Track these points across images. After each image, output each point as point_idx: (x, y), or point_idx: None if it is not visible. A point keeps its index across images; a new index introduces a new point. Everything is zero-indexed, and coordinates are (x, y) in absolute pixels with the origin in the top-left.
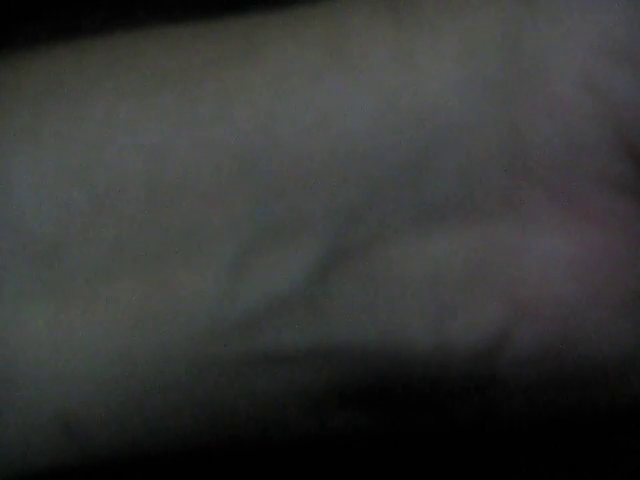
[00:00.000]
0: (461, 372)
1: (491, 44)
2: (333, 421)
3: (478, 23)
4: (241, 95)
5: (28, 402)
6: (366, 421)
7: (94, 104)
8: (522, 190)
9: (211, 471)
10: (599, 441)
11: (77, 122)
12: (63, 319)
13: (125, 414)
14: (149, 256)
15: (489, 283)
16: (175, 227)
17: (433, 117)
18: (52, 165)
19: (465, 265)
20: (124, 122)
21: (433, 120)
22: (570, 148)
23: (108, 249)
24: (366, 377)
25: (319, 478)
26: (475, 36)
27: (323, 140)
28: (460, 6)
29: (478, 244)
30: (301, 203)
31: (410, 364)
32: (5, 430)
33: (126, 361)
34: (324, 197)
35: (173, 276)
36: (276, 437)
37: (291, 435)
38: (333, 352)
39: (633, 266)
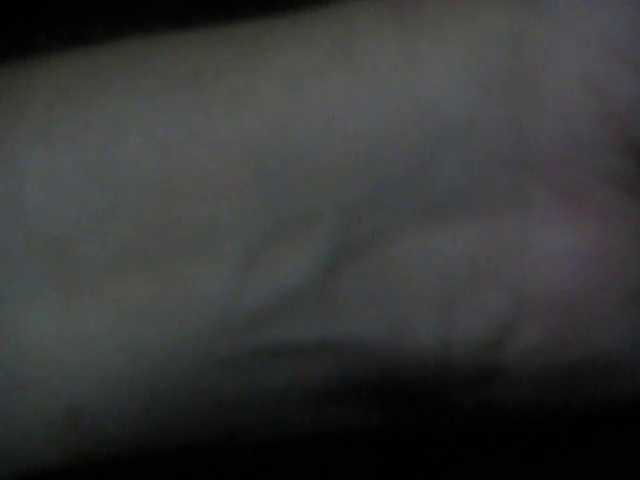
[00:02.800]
0: (465, 366)
1: (494, 44)
2: (337, 415)
3: (481, 24)
4: (250, 96)
5: (37, 398)
6: (372, 414)
7: (106, 106)
8: (526, 186)
9: (217, 465)
10: (601, 434)
11: (89, 124)
12: (74, 316)
13: (134, 410)
14: (160, 253)
15: (493, 277)
16: (185, 224)
17: (438, 116)
18: (65, 165)
19: (470, 260)
20: (136, 123)
21: (438, 119)
22: (572, 145)
23: (119, 247)
24: (372, 370)
25: (324, 472)
26: (478, 37)
27: (330, 138)
28: (463, 7)
29: (483, 239)
30: (309, 200)
31: (415, 358)
32: (14, 425)
33: (136, 357)
34: (331, 194)
35: (183, 272)
36: (282, 431)
37: (298, 429)
38: (340, 346)
39: (635, 261)
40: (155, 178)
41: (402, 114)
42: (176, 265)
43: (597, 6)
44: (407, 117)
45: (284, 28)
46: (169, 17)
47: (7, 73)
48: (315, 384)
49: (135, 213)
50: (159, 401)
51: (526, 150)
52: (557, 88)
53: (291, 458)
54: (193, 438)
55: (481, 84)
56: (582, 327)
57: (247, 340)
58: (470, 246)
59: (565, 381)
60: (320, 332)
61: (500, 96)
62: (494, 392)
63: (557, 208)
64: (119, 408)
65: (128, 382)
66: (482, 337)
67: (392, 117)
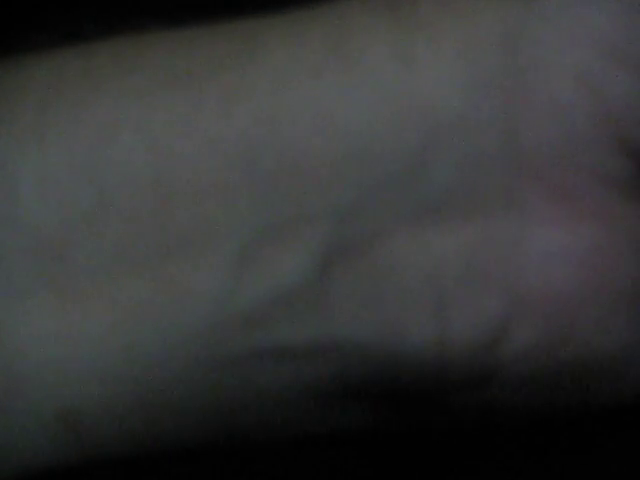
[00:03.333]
0: (461, 366)
1: (490, 44)
2: (334, 416)
3: (477, 23)
4: (244, 94)
5: (33, 398)
6: (367, 416)
7: (99, 104)
8: (520, 187)
9: (213, 469)
10: (597, 437)
11: (82, 122)
12: (67, 316)
13: (130, 410)
14: (153, 253)
15: (488, 279)
16: (179, 224)
17: (432, 115)
18: (57, 164)
19: (464, 261)
20: (129, 122)
21: (432, 118)
22: (568, 146)
23: (113, 246)
24: (367, 372)
25: (323, 472)
26: (474, 36)
27: (324, 137)
28: (459, 6)
29: (477, 240)
30: (302, 199)
31: (410, 359)
32: (9, 427)
33: (130, 358)
34: (325, 193)
35: (177, 273)
36: (278, 433)
37: (293, 431)
38: (334, 347)
39: (630, 262)
40: (148, 177)
41: (396, 114)
42: (170, 265)
43: (592, 6)
44: (401, 117)
45: (278, 26)
46: (163, 15)
47: None
48: (311, 385)
49: (128, 212)
50: (155, 402)
51: (520, 150)
52: (552, 88)
53: (290, 458)
54: (191, 439)
55: (475, 84)
56: (577, 328)
57: (242, 341)
58: (464, 247)
59: (562, 382)
60: (315, 333)
61: (494, 96)
62: (491, 393)
63: (551, 209)
64: (115, 409)
65: (124, 382)
66: (477, 338)
67: (386, 117)
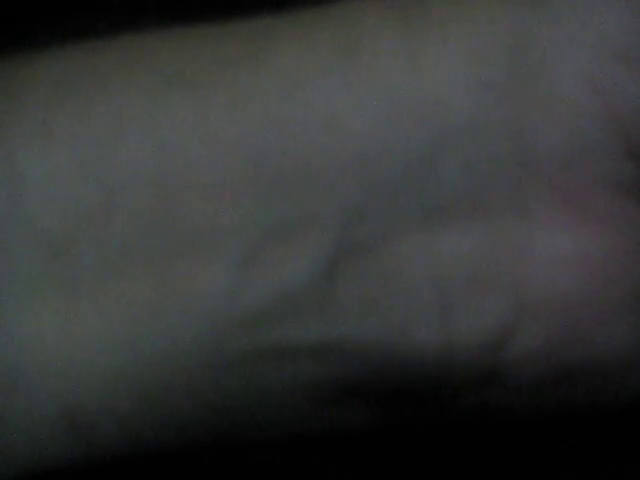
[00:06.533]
0: (465, 368)
1: (497, 46)
2: (338, 417)
3: (485, 26)
4: (251, 94)
5: (35, 397)
6: (370, 417)
7: (106, 103)
8: (527, 190)
9: (215, 467)
10: (600, 438)
11: (89, 120)
12: (72, 315)
13: (132, 410)
14: (158, 252)
15: (494, 281)
16: (185, 224)
17: (440, 117)
18: (64, 162)
19: (470, 263)
20: (135, 120)
21: (440, 120)
22: (575, 149)
23: (118, 245)
24: (371, 373)
25: (323, 474)
26: (482, 38)
27: (332, 139)
28: (467, 9)
29: (483, 242)
30: (309, 200)
31: (415, 360)
32: (12, 425)
33: (134, 357)
34: (332, 195)
35: (182, 272)
36: (280, 432)
37: (295, 430)
38: (339, 348)
39: (635, 265)
40: (154, 177)
41: (404, 115)
42: (174, 265)
43: (601, 9)
44: (409, 118)
45: (287, 26)
46: (171, 14)
47: (6, 68)
48: (315, 385)
49: (134, 212)
50: (157, 401)
51: (528, 153)
52: (560, 91)
53: (291, 458)
54: (192, 438)
55: (484, 86)
56: (583, 331)
57: (246, 341)
58: (471, 249)
59: (566, 383)
60: (319, 334)
61: (503, 98)
62: (495, 394)
63: (559, 212)
64: (117, 408)
65: (126, 382)
66: (482, 340)
67: (394, 118)
